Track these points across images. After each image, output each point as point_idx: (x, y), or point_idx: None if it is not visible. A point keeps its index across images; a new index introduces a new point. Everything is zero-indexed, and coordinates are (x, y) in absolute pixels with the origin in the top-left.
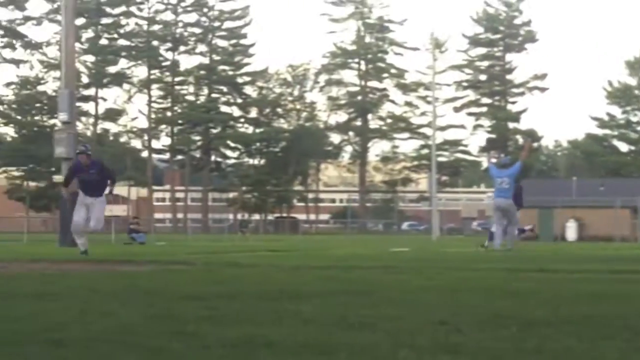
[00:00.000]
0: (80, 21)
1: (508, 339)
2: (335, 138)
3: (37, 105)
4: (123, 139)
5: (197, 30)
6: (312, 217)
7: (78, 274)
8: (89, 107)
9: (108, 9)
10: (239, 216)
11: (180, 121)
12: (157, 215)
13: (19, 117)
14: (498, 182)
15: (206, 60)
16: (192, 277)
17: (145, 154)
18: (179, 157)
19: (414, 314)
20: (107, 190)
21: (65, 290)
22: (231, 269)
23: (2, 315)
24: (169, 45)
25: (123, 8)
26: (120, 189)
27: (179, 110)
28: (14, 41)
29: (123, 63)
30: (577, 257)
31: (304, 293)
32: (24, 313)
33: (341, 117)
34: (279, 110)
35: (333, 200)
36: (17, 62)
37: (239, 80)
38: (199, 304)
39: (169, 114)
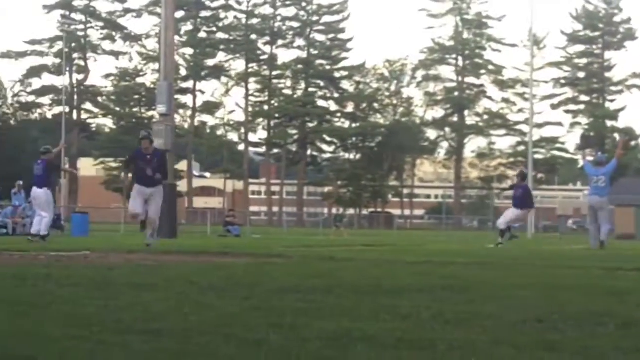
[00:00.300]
0: (179, 14)
1: (606, 337)
2: (432, 134)
3: (136, 97)
4: (220, 132)
5: (295, 24)
6: (407, 212)
7: (175, 265)
8: (187, 99)
9: (207, 2)
10: (334, 210)
11: (276, 115)
12: (253, 208)
13: (117, 109)
14: (594, 180)
15: (304, 54)
16: (289, 270)
17: (241, 147)
18: (275, 150)
19: (511, 311)
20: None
21: (162, 281)
22: (327, 263)
23: (103, 305)
24: (267, 39)
25: (222, 1)
26: (216, 182)
27: (276, 104)
28: (114, 33)
29: (221, 56)
30: None
31: (400, 288)
32: (123, 303)
33: (438, 112)
34: (376, 105)
35: (428, 196)
36: (116, 54)
37: (336, 74)
38: (296, 297)
39: (265, 107)
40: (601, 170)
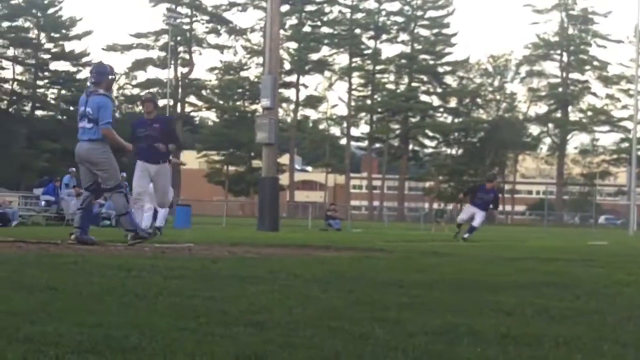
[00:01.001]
0: (284, 8)
1: None
2: (534, 129)
3: (239, 90)
4: (322, 126)
5: (400, 19)
6: (508, 208)
7: (278, 258)
8: (290, 93)
9: None
10: (435, 206)
11: (379, 109)
12: (353, 203)
13: (221, 102)
14: None
15: (407, 49)
16: (391, 264)
17: (343, 141)
18: (377, 145)
19: (616, 308)
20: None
21: (266, 274)
22: (429, 257)
23: (208, 296)
24: (371, 33)
25: None
26: (317, 176)
27: (379, 99)
28: (219, 27)
29: (325, 50)
30: None
31: (503, 284)
32: (228, 295)
33: (541, 108)
34: (479, 100)
35: (530, 192)
36: (221, 48)
37: (440, 69)
38: (400, 291)
39: (368, 102)
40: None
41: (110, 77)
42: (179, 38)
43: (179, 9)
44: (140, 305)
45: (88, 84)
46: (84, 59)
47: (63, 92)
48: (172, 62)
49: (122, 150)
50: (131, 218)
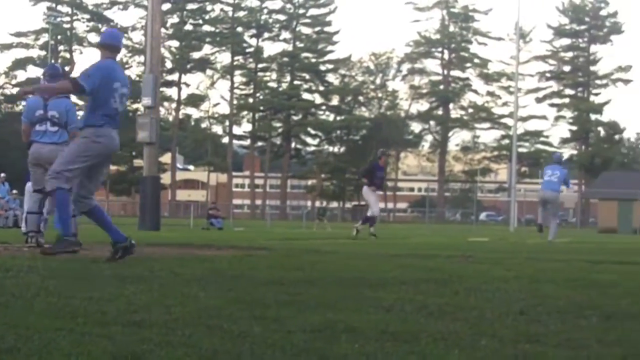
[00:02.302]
0: (166, 6)
1: (589, 330)
2: (416, 127)
3: None
4: (204, 125)
5: (282, 17)
6: (391, 205)
7: (158, 257)
8: (171, 92)
9: None
10: (317, 204)
11: (261, 108)
12: (236, 201)
13: None
14: (548, 174)
15: (290, 47)
16: (272, 262)
17: (225, 140)
18: (260, 143)
19: (494, 304)
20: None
21: (146, 273)
22: (311, 255)
23: (87, 297)
24: (253, 31)
25: None
26: (199, 175)
27: (261, 97)
28: (100, 25)
29: (207, 49)
30: None
31: (384, 281)
32: (107, 294)
33: (422, 106)
34: (361, 98)
35: (412, 189)
36: None
37: (322, 67)
38: (280, 289)
39: (250, 100)
40: (557, 168)
41: (63, 77)
42: (59, 37)
43: (60, 7)
44: (17, 306)
45: None
46: None
47: None
48: (53, 61)
49: None
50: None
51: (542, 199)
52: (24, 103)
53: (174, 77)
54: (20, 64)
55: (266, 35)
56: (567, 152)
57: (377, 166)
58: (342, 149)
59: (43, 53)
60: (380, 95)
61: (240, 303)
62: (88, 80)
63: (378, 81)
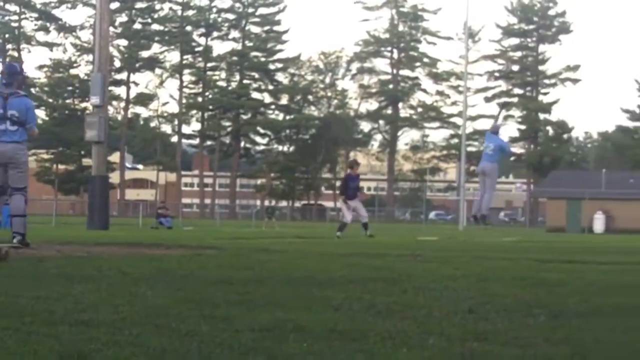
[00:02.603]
0: (114, 5)
1: (537, 328)
2: (365, 126)
3: (69, 88)
4: (153, 124)
5: (231, 16)
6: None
7: (107, 256)
8: (120, 91)
9: None
10: (267, 203)
11: (210, 107)
12: (185, 200)
13: (50, 100)
14: (485, 148)
15: (239, 47)
16: (221, 261)
17: (174, 139)
18: (209, 142)
19: (443, 302)
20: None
21: (94, 272)
22: (260, 254)
23: (34, 296)
24: (202, 30)
25: None
26: (148, 174)
27: (210, 96)
28: (48, 24)
29: (156, 48)
30: (605, 249)
31: (333, 280)
32: (54, 294)
33: (372, 105)
34: (310, 97)
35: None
36: (50, 45)
37: (271, 66)
38: (229, 289)
39: (199, 99)
40: (493, 138)
41: (21, 76)
42: (7, 35)
43: (8, 6)
44: None
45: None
46: None
47: None
48: (0, 59)
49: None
50: (25, 221)
51: (480, 172)
52: None
53: (123, 76)
54: None
55: (215, 34)
56: (516, 151)
57: (349, 177)
58: (292, 148)
59: None
60: (329, 94)
61: (189, 302)
62: None
63: (327, 80)
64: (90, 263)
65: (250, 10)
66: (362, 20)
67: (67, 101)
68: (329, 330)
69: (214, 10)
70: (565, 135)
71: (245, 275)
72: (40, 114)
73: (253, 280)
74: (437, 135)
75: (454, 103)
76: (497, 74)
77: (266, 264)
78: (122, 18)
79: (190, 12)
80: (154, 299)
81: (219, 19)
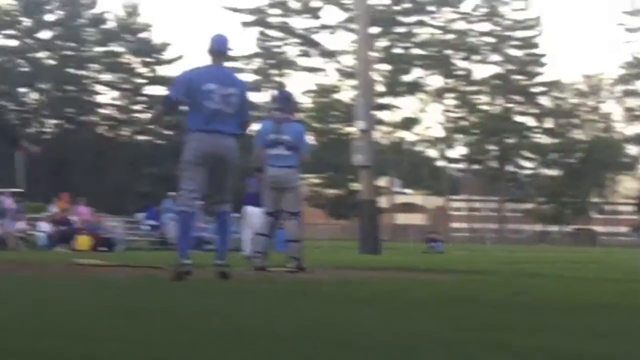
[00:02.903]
0: (374, 30)
1: None
2: (633, 149)
3: (334, 113)
4: (418, 148)
5: (490, 40)
6: (611, 229)
7: (380, 280)
8: (384, 115)
9: (401, 18)
10: (536, 227)
11: (474, 131)
12: (453, 225)
13: (316, 125)
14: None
15: (500, 70)
16: (495, 285)
17: (440, 163)
18: (475, 166)
19: None
20: None
21: (368, 295)
22: (534, 279)
23: (312, 317)
24: (462, 54)
25: (416, 17)
26: (416, 198)
27: (474, 120)
28: (310, 49)
29: (417, 72)
30: None
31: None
32: (331, 316)
33: (638, 128)
34: (575, 120)
35: (632, 213)
36: (313, 70)
37: (533, 90)
38: (503, 312)
39: (463, 123)
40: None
41: (293, 101)
42: (270, 61)
43: (270, 32)
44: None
45: (273, 111)
46: None
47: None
48: (264, 85)
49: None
50: (301, 246)
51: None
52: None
53: (387, 100)
54: None
55: (475, 57)
56: None
57: None
58: (559, 172)
59: (256, 77)
60: (594, 117)
61: (465, 328)
62: (171, 89)
63: (591, 103)
64: (364, 286)
65: (509, 33)
66: (625, 42)
67: (333, 126)
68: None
69: (474, 33)
70: None
71: (520, 299)
72: (309, 138)
73: (528, 305)
74: None
75: None
76: None
77: (541, 288)
78: (383, 42)
79: (449, 36)
80: (425, 324)
81: (479, 43)
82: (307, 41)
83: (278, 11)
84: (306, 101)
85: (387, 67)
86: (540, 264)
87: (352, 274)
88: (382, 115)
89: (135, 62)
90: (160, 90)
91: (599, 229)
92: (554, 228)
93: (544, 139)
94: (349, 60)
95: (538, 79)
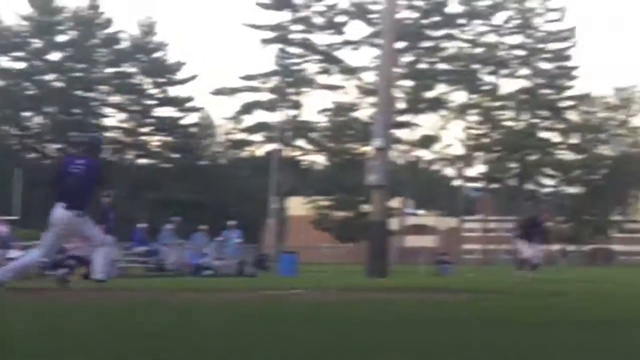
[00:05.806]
0: (399, 44)
1: None
2: None
3: (350, 132)
4: (435, 167)
5: (521, 53)
6: (630, 248)
7: (391, 301)
8: (402, 133)
9: (429, 32)
10: (555, 247)
11: (496, 148)
12: (466, 247)
13: (330, 145)
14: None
15: (527, 84)
16: (506, 305)
17: (457, 182)
18: (493, 185)
19: None
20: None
21: (374, 315)
22: (547, 298)
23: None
24: (490, 68)
25: (445, 31)
26: (428, 219)
27: (497, 136)
28: (330, 66)
29: (441, 88)
30: None
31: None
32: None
33: None
34: (602, 135)
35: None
36: (332, 88)
37: (561, 104)
38: (511, 331)
39: (485, 140)
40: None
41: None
42: (288, 79)
43: (290, 49)
44: None
45: None
46: (188, 105)
47: (168, 139)
48: (281, 104)
49: None
50: None
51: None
52: (249, 148)
53: (406, 118)
54: (248, 108)
55: (504, 71)
56: None
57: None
58: (581, 190)
59: (272, 96)
60: (623, 132)
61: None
62: None
63: (621, 117)
64: (370, 307)
65: (541, 45)
66: None
67: (347, 145)
68: None
69: (503, 46)
70: None
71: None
72: (318, 159)
73: (539, 324)
74: None
75: None
76: None
77: (553, 306)
78: (408, 58)
79: (478, 50)
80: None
81: (508, 56)
82: (329, 58)
83: (300, 27)
84: (322, 120)
85: (409, 83)
86: (560, 285)
87: (357, 296)
88: (400, 133)
89: (146, 82)
90: (170, 112)
91: (617, 247)
92: (571, 247)
93: (568, 155)
94: (370, 77)
95: (567, 93)
